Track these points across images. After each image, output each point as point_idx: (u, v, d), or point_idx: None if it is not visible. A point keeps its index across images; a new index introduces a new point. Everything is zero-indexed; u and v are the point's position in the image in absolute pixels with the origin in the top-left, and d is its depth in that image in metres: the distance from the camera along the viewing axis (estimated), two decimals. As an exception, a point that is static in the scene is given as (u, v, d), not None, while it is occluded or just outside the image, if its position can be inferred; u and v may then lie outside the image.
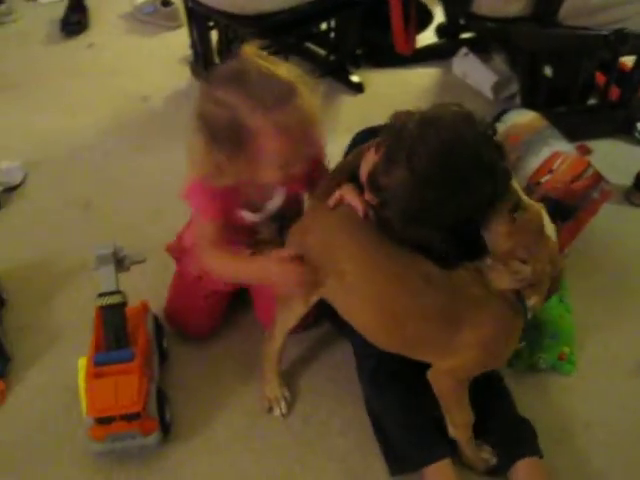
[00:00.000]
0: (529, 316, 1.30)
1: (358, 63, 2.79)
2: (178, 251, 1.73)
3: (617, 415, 1.54)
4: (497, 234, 1.25)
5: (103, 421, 1.41)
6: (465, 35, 2.77)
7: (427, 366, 1.38)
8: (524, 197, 1.27)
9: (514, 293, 1.27)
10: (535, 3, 1.91)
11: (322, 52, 2.81)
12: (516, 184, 1.27)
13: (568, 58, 2.16)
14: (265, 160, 1.32)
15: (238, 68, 1.28)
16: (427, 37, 2.86)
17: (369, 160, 1.33)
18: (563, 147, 1.79)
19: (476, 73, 2.59)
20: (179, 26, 3.13)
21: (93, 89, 2.86)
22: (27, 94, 2.86)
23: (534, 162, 1.75)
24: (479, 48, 2.64)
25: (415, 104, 1.29)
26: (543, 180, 1.74)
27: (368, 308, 1.35)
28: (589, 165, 1.79)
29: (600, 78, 2.38)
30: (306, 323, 1.67)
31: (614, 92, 2.41)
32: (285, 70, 1.29)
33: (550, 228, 1.27)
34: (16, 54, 3.16)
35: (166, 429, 1.50)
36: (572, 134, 2.30)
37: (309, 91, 1.30)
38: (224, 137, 1.27)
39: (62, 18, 3.28)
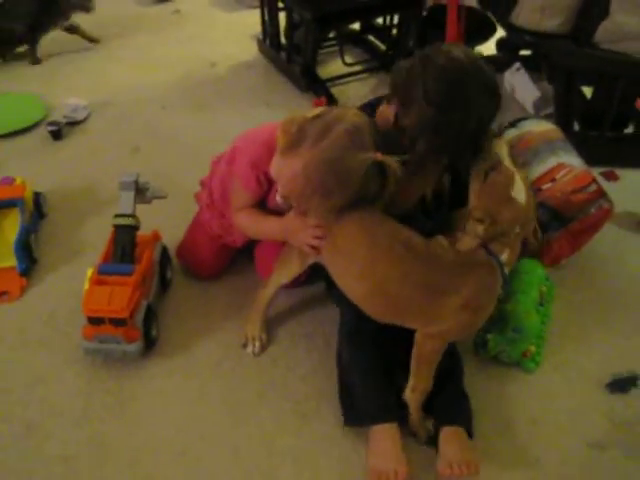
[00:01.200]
0: (506, 271, 1.40)
1: (414, 62, 2.89)
2: (205, 201, 1.86)
3: (565, 419, 1.59)
4: (472, 192, 1.38)
5: (94, 321, 1.59)
6: (523, 52, 2.83)
7: (404, 333, 1.47)
8: (506, 161, 1.38)
9: (485, 251, 1.37)
10: (571, 22, 1.97)
11: (382, 46, 2.94)
12: (503, 148, 1.39)
13: (605, 81, 2.20)
14: None
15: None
16: (487, 48, 2.94)
17: (385, 114, 1.48)
18: (571, 161, 1.85)
19: (523, 88, 2.66)
20: (258, 6, 3.33)
21: (169, 51, 3.13)
22: (111, 45, 3.16)
23: (539, 169, 1.82)
24: (532, 66, 2.70)
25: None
26: (544, 187, 1.81)
27: (353, 272, 1.46)
28: (593, 181, 1.85)
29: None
30: (299, 282, 1.81)
31: (652, 123, 2.43)
32: None
33: (522, 193, 1.36)
34: (110, 10, 3.47)
35: (150, 343, 1.68)
36: (603, 159, 2.36)
37: None
38: None
39: (157, -16, 3.56)
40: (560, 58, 2.10)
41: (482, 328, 1.58)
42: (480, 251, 1.37)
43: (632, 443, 1.54)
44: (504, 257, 1.39)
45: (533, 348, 1.69)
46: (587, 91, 2.46)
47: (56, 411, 1.56)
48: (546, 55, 2.21)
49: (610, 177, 2.37)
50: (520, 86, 2.69)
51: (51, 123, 2.48)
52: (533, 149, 1.85)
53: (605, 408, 1.61)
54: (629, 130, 2.44)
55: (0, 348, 1.71)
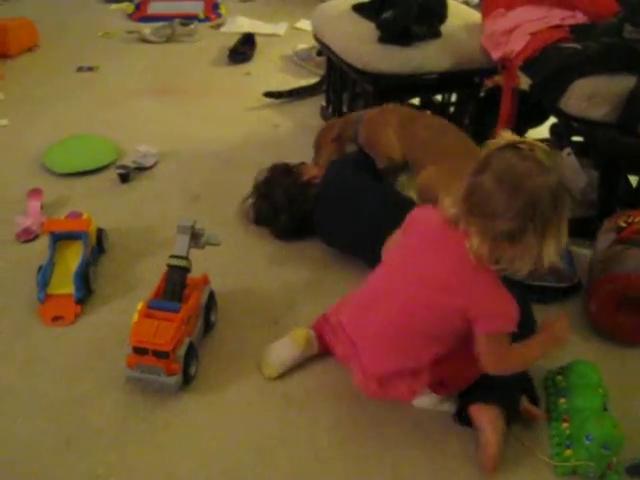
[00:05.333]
0: None
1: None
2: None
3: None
4: None
5: (139, 351, 1.71)
6: (576, 138, 2.91)
7: None
8: None
9: None
10: (617, 111, 2.04)
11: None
12: None
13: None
14: None
15: None
16: (540, 132, 3.04)
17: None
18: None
19: (572, 173, 2.72)
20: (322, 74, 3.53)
21: (237, 109, 3.33)
22: (185, 100, 3.40)
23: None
24: (583, 152, 2.77)
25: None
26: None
27: None
28: None
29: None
30: None
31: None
32: None
33: None
34: (187, 67, 3.76)
35: (187, 380, 1.78)
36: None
37: None
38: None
39: (232, 47, 3.83)
40: (604, 146, 2.17)
41: (560, 442, 1.67)
42: None
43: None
44: None
45: (615, 458, 1.63)
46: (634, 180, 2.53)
47: (94, 431, 1.67)
48: (591, 142, 2.28)
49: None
50: (569, 171, 2.75)
51: (121, 166, 2.67)
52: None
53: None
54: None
55: (48, 367, 1.84)
